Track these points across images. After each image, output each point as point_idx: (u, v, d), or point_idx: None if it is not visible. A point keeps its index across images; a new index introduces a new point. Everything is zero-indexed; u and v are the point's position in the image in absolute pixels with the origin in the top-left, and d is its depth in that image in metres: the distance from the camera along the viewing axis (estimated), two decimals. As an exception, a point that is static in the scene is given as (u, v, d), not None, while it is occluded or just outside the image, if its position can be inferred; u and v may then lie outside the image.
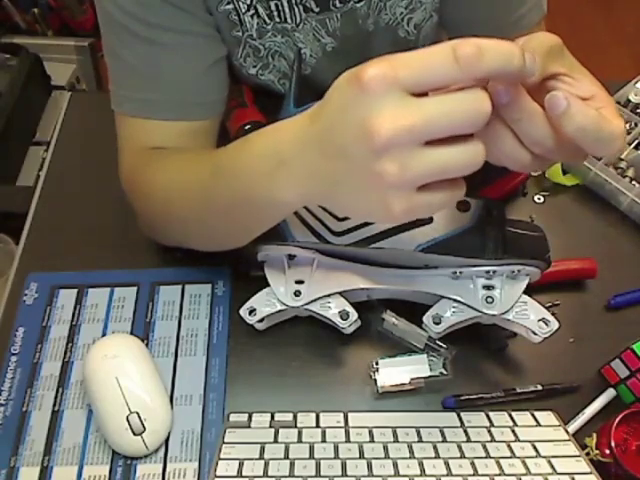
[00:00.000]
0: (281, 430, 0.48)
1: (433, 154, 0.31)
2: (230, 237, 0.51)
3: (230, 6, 0.58)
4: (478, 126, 0.31)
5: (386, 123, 0.30)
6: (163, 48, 0.55)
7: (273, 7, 0.60)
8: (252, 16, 0.60)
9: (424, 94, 0.31)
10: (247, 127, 0.66)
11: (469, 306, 0.50)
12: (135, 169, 0.57)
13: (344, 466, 0.45)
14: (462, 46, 0.29)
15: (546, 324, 0.49)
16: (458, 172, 0.32)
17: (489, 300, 0.50)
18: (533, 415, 0.50)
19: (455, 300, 0.51)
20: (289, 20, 0.61)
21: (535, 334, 0.50)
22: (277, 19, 0.61)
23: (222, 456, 0.46)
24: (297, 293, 0.52)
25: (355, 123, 0.31)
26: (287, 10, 0.60)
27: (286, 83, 0.70)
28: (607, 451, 0.47)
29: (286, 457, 0.46)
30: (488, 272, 0.50)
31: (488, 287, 0.50)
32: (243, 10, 0.59)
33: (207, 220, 0.50)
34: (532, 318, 0.50)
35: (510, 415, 0.50)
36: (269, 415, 0.50)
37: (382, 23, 0.65)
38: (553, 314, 0.50)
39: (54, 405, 0.53)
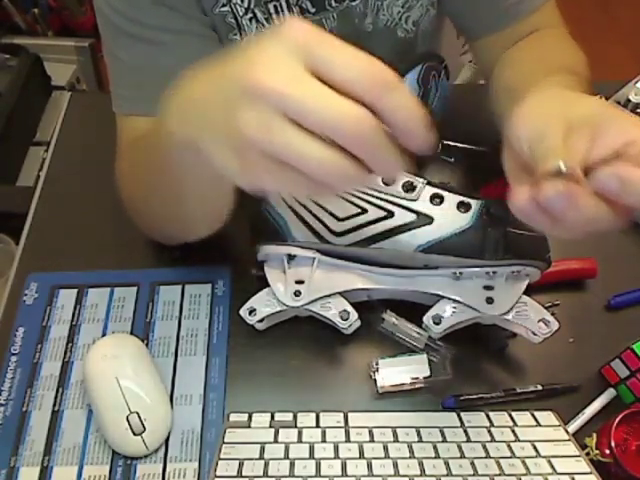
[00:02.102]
0: (281, 430, 0.48)
1: (296, 135, 0.28)
2: (173, 203, 0.49)
3: (226, 8, 0.58)
4: (346, 135, 0.28)
5: (272, 75, 0.28)
6: (160, 48, 0.55)
7: (272, 9, 0.59)
8: (250, 20, 0.60)
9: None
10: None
11: (469, 306, 0.50)
12: (125, 162, 0.57)
13: (344, 466, 0.45)
14: (383, 70, 0.29)
15: (546, 324, 0.50)
16: (309, 167, 0.29)
17: (489, 300, 0.50)
18: (533, 415, 0.50)
19: (455, 300, 0.51)
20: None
21: (535, 334, 0.50)
22: (276, 22, 0.61)
23: (222, 456, 0.46)
24: (297, 293, 0.52)
25: (249, 57, 0.30)
26: (287, 12, 0.60)
27: None
28: (607, 451, 0.47)
29: (286, 457, 0.46)
30: (488, 272, 0.50)
31: (488, 287, 0.50)
32: (241, 13, 0.59)
33: (159, 185, 0.48)
34: (532, 318, 0.50)
35: (510, 415, 0.50)
36: (269, 415, 0.50)
37: (380, 24, 0.65)
38: (553, 314, 0.50)
39: (54, 405, 0.53)
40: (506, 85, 0.60)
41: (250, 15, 0.59)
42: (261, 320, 0.54)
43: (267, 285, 0.53)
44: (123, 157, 0.57)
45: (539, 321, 0.50)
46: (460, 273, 0.51)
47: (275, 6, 0.59)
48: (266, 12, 0.60)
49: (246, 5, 0.58)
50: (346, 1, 0.61)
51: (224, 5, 0.58)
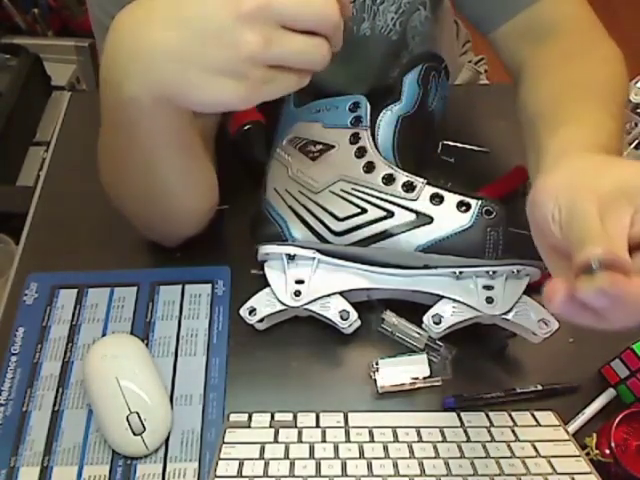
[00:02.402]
0: (281, 430, 0.48)
1: (295, 37, 0.35)
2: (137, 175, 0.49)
3: None
4: (323, 23, 0.36)
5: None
6: None
7: None
8: None
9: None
10: (247, 127, 0.66)
11: (469, 306, 0.50)
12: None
13: (344, 466, 0.45)
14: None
15: (546, 324, 0.50)
16: (310, 61, 0.37)
17: (489, 300, 0.50)
18: (533, 415, 0.50)
19: (455, 300, 0.51)
20: None
21: (535, 334, 0.50)
22: None
23: (222, 456, 0.46)
24: (297, 293, 0.52)
25: None
26: None
27: None
28: (607, 451, 0.47)
29: (286, 457, 0.46)
30: (488, 272, 0.50)
31: (488, 287, 0.50)
32: None
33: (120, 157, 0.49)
34: (532, 318, 0.50)
35: (510, 415, 0.50)
36: (269, 415, 0.50)
37: (377, 29, 0.65)
38: (553, 314, 0.50)
39: (54, 405, 0.53)
40: (530, 116, 0.52)
41: None
42: (261, 320, 0.54)
43: (267, 285, 0.53)
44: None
45: (539, 321, 0.50)
46: (460, 273, 0.51)
47: None
48: None
49: None
50: None
51: None
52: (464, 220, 0.50)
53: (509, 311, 0.50)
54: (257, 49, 0.34)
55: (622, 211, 0.30)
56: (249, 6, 0.33)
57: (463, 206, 0.50)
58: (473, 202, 0.50)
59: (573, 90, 0.51)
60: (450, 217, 0.50)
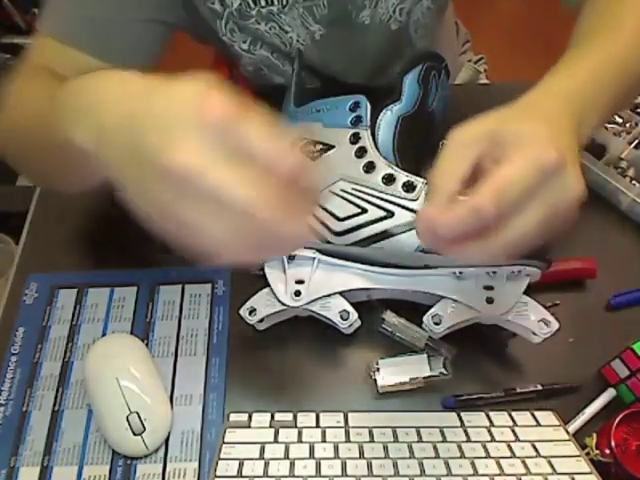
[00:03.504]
0: (281, 430, 0.48)
1: (202, 213, 0.31)
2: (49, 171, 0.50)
3: (216, 6, 0.58)
4: (235, 206, 0.30)
5: (190, 159, 0.30)
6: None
7: None
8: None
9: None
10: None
11: (469, 306, 0.50)
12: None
13: (344, 466, 0.45)
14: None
15: (546, 324, 0.50)
16: (207, 238, 0.31)
17: (489, 300, 0.50)
18: (533, 415, 0.50)
19: (455, 300, 0.51)
20: (275, 2, 0.60)
21: (535, 334, 0.50)
22: (263, 2, 0.60)
23: (222, 456, 0.46)
24: (297, 293, 0.52)
25: (170, 137, 0.30)
26: None
27: (280, 58, 0.69)
28: (607, 451, 0.47)
29: (286, 457, 0.46)
30: (488, 272, 0.50)
31: (488, 287, 0.50)
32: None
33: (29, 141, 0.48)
34: (532, 318, 0.50)
35: (510, 415, 0.50)
36: (269, 415, 0.50)
37: (377, 17, 0.65)
38: (553, 314, 0.50)
39: (54, 405, 0.53)
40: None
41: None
42: (261, 320, 0.54)
43: (267, 285, 0.53)
44: (17, 83, 0.53)
45: (539, 321, 0.50)
46: (460, 273, 0.51)
47: None
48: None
49: None
50: None
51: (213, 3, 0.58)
52: (464, 220, 0.50)
53: (509, 311, 0.50)
54: (169, 206, 0.31)
55: (469, 151, 0.37)
56: (175, 162, 0.30)
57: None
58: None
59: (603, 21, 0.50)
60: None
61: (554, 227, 0.37)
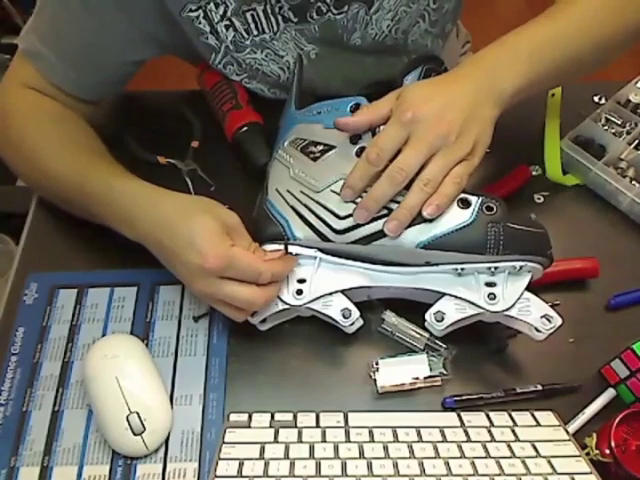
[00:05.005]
0: (281, 430, 0.48)
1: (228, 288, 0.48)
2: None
3: (195, 13, 0.57)
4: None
5: (214, 270, 0.47)
6: (97, 20, 0.57)
7: (249, 18, 0.59)
8: (227, 27, 0.60)
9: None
10: (244, 129, 0.66)
11: (471, 303, 0.50)
12: (11, 105, 0.60)
13: (344, 466, 0.45)
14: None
15: (549, 320, 0.49)
16: (237, 302, 0.49)
17: (491, 297, 0.50)
18: (533, 415, 0.50)
19: (457, 297, 0.51)
20: (266, 30, 0.61)
21: (538, 331, 0.50)
22: (254, 32, 0.61)
23: (222, 456, 0.46)
24: (299, 292, 0.52)
25: (197, 258, 0.47)
26: (263, 20, 0.60)
27: (277, 92, 0.69)
28: (607, 451, 0.47)
29: (286, 457, 0.46)
30: (490, 268, 0.50)
31: (490, 284, 0.50)
32: (216, 20, 0.59)
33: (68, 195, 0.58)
34: (535, 315, 0.50)
35: (510, 415, 0.50)
36: (269, 415, 0.50)
37: (369, 38, 0.65)
38: (556, 311, 0.50)
39: (54, 405, 0.53)
40: None
41: (227, 22, 0.59)
42: (264, 320, 0.54)
43: (268, 285, 0.53)
44: (10, 94, 0.61)
45: (542, 317, 0.50)
46: (462, 269, 0.50)
47: (252, 15, 0.59)
48: (245, 23, 0.60)
49: (221, 12, 0.58)
50: (328, 14, 0.61)
51: (193, 10, 0.57)
52: (465, 217, 0.49)
53: (511, 307, 0.50)
54: (204, 290, 0.49)
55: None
56: (207, 268, 0.47)
57: (463, 203, 0.50)
58: (473, 199, 0.50)
59: None
60: (451, 214, 0.50)
61: (460, 173, 0.48)
